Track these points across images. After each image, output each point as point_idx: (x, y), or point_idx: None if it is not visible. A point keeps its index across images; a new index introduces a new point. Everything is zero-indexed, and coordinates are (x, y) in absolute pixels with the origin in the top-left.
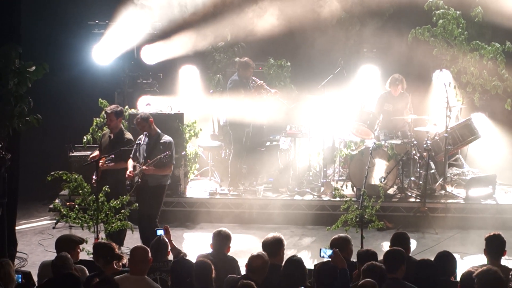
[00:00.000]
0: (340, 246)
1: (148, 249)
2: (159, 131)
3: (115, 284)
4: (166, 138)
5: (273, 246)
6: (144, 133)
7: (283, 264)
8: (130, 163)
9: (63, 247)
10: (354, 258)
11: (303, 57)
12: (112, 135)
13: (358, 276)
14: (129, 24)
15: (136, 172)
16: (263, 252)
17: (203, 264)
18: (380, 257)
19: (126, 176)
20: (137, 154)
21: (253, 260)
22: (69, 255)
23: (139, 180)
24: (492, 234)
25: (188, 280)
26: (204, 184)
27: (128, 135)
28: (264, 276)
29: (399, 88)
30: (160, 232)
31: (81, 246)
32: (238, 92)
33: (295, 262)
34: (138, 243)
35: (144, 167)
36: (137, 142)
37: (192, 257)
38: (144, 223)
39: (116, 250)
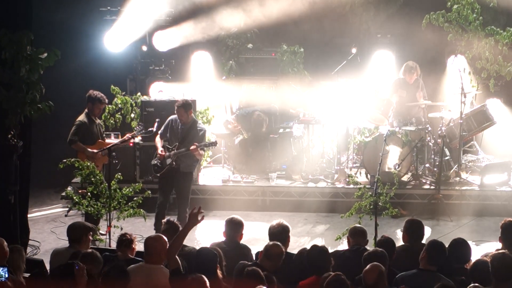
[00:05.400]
0: (360, 236)
1: (166, 239)
2: (195, 118)
3: (125, 273)
4: (202, 126)
5: (281, 235)
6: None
7: (306, 253)
8: (158, 140)
9: (75, 235)
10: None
11: (317, 43)
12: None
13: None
14: (141, 10)
15: (169, 154)
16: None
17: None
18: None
19: (158, 155)
20: (167, 133)
21: (272, 248)
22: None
23: (174, 163)
24: (507, 221)
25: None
26: (217, 172)
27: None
28: (278, 265)
29: (414, 75)
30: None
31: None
32: None
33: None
34: (151, 230)
35: (192, 146)
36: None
37: (205, 244)
38: (162, 208)
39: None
